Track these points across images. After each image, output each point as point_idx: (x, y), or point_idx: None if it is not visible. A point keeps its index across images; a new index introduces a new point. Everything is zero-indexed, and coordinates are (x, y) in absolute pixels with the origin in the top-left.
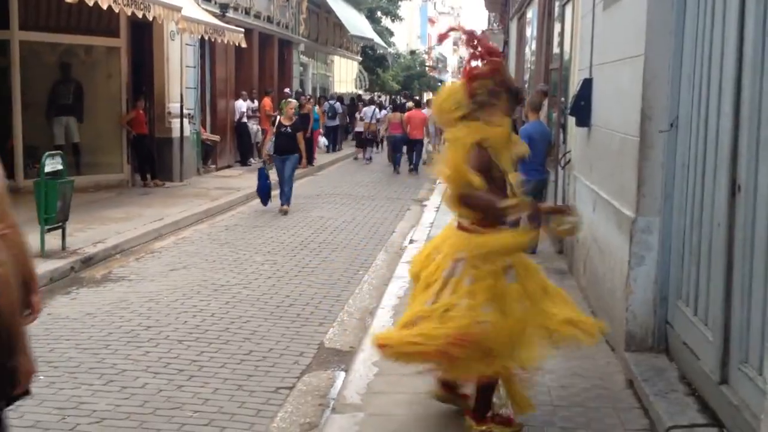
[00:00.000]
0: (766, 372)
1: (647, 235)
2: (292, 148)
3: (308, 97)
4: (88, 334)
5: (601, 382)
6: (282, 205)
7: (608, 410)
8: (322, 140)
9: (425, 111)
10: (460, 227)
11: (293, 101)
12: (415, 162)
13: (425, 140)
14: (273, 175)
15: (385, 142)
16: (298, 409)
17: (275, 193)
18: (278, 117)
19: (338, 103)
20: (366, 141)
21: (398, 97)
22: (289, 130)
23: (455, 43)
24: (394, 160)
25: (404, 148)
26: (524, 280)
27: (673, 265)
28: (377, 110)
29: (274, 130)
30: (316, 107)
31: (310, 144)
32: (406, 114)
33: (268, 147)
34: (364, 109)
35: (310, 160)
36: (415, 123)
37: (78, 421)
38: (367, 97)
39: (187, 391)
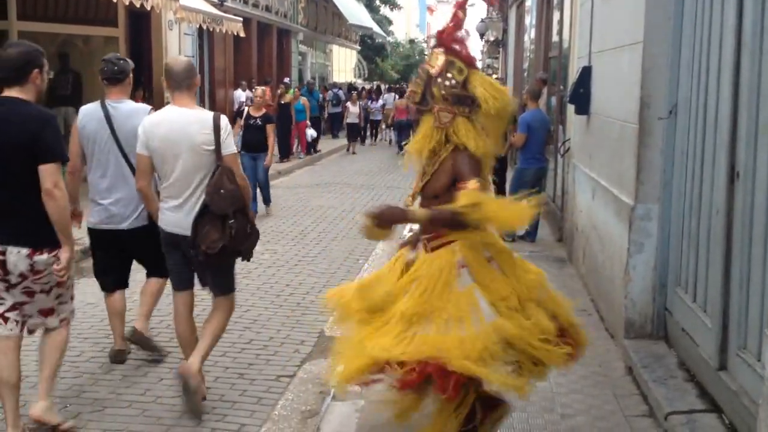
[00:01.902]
0: (764, 358)
1: (646, 222)
2: (262, 144)
3: (288, 84)
4: (89, 324)
5: (601, 369)
6: (265, 206)
7: (608, 397)
8: (310, 132)
9: None
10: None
11: (260, 88)
12: None
13: None
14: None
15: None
16: (299, 396)
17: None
18: (246, 108)
19: (341, 91)
20: (356, 132)
21: (405, 85)
22: (258, 122)
23: None
24: (399, 143)
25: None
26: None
27: (672, 252)
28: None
29: (242, 122)
30: (302, 98)
31: (286, 138)
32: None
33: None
34: (386, 95)
35: (286, 154)
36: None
37: (80, 409)
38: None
39: None
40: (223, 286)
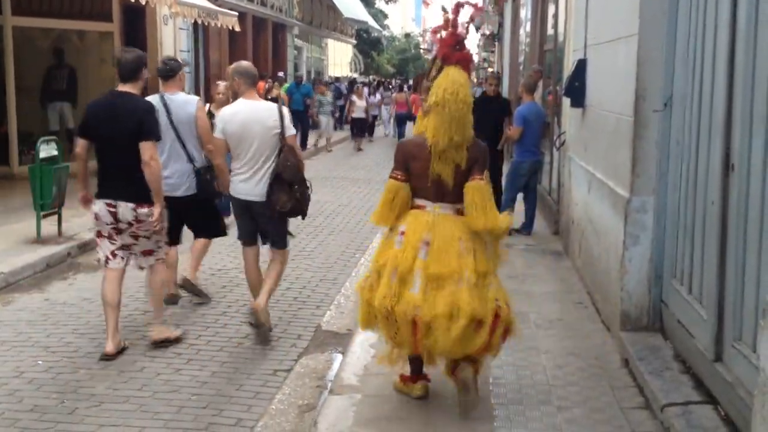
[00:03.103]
0: (759, 349)
1: (642, 214)
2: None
3: (272, 80)
4: (85, 319)
5: (597, 361)
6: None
7: (604, 389)
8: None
9: None
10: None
11: (221, 83)
12: None
13: None
14: None
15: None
16: (296, 391)
17: None
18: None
19: (343, 85)
20: (363, 128)
21: (403, 79)
22: None
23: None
24: (399, 133)
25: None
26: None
27: (667, 244)
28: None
29: None
30: (278, 91)
31: None
32: (413, 95)
33: None
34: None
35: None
36: (418, 103)
37: (77, 405)
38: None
39: (185, 375)
40: (281, 241)
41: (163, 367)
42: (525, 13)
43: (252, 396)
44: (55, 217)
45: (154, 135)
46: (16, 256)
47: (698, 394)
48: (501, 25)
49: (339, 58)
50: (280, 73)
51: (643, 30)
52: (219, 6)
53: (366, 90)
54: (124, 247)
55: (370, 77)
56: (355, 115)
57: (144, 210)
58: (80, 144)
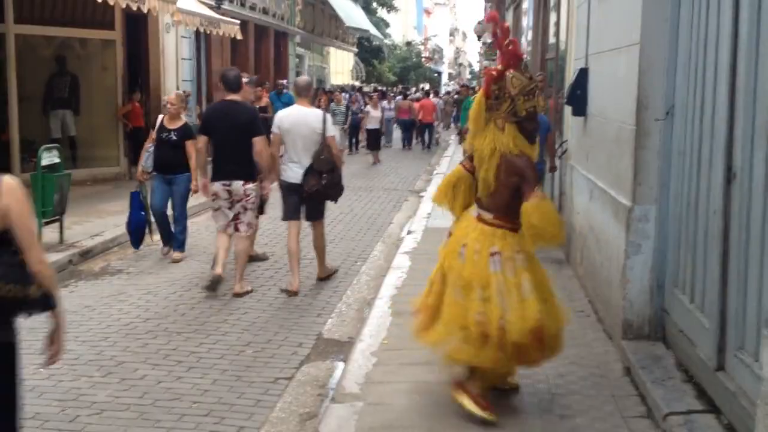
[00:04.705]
0: (762, 358)
1: (644, 223)
2: (180, 164)
3: (264, 85)
4: (86, 327)
5: (599, 370)
6: (171, 249)
7: (606, 398)
8: None
9: (434, 99)
10: (481, 220)
11: (174, 93)
12: (429, 141)
13: (435, 123)
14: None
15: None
16: (297, 399)
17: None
18: (160, 117)
19: (346, 94)
20: (378, 140)
21: (405, 87)
22: (173, 137)
23: (451, 34)
24: (403, 140)
25: (413, 130)
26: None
27: (669, 253)
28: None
29: (154, 134)
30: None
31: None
32: (419, 102)
33: (145, 159)
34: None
35: None
36: (426, 109)
37: (78, 412)
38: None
39: (186, 382)
40: (318, 215)
41: (164, 375)
42: (526, 21)
43: (253, 404)
44: (57, 224)
45: (261, 132)
46: None
47: (700, 403)
48: None
49: (340, 67)
50: (283, 81)
51: (645, 39)
52: (221, 14)
53: (384, 100)
54: (235, 218)
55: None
56: (369, 126)
57: (250, 186)
58: (201, 140)
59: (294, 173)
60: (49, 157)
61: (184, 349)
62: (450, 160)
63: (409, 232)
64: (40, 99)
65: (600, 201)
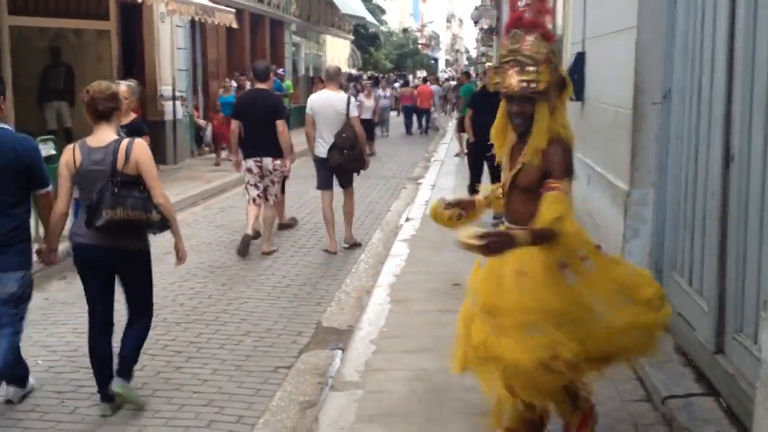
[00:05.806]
0: (761, 341)
1: (642, 207)
2: None
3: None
4: (84, 319)
5: None
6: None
7: (605, 382)
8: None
9: (433, 87)
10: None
11: (123, 84)
12: (426, 126)
13: (432, 109)
14: None
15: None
16: (297, 387)
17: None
18: None
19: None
20: (372, 130)
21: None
22: (122, 134)
23: (448, 20)
24: (406, 125)
25: (414, 115)
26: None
27: (667, 236)
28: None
29: None
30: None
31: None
32: (418, 88)
33: None
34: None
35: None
36: (424, 96)
37: (77, 404)
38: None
39: (186, 372)
40: (347, 183)
41: (163, 365)
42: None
43: (253, 393)
44: None
45: (284, 116)
46: None
47: (699, 387)
48: (499, 19)
49: (337, 55)
50: (280, 70)
51: (642, 22)
52: (216, 3)
53: (378, 88)
54: (265, 189)
55: (368, 73)
56: (363, 116)
57: (278, 162)
58: (234, 123)
59: (323, 149)
60: (45, 149)
61: (183, 339)
62: (447, 147)
63: (407, 219)
64: (35, 91)
65: (598, 185)
